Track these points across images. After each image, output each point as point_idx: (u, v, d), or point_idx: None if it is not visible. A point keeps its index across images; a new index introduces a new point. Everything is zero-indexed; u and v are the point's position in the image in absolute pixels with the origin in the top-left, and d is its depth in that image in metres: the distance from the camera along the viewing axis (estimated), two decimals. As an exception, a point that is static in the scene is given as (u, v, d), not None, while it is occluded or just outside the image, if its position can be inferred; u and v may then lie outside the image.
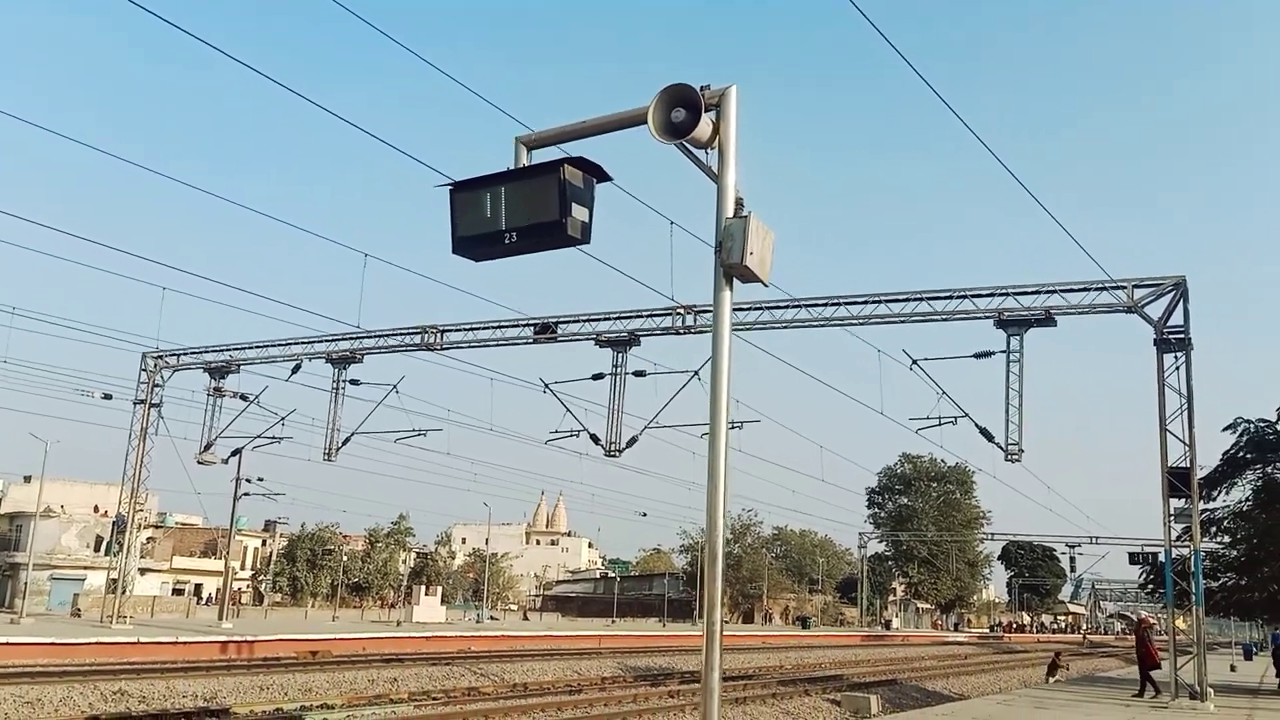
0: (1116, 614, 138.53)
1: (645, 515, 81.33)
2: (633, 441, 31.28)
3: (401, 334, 33.48)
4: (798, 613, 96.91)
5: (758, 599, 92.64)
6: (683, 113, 6.03)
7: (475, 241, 6.43)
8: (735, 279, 6.15)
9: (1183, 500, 22.70)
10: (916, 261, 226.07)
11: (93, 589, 53.13)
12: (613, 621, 72.45)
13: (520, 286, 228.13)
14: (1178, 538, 23.48)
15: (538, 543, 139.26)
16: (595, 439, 31.29)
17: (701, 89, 6.08)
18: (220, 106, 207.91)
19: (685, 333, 29.87)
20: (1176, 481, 22.57)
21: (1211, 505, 30.51)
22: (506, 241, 6.25)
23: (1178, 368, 23.23)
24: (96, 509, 62.57)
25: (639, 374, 31.30)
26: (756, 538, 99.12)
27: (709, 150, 6.24)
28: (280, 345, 35.38)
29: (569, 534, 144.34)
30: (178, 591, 67.97)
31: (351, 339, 34.06)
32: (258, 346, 36.01)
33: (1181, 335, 23.33)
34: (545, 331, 31.55)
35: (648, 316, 30.38)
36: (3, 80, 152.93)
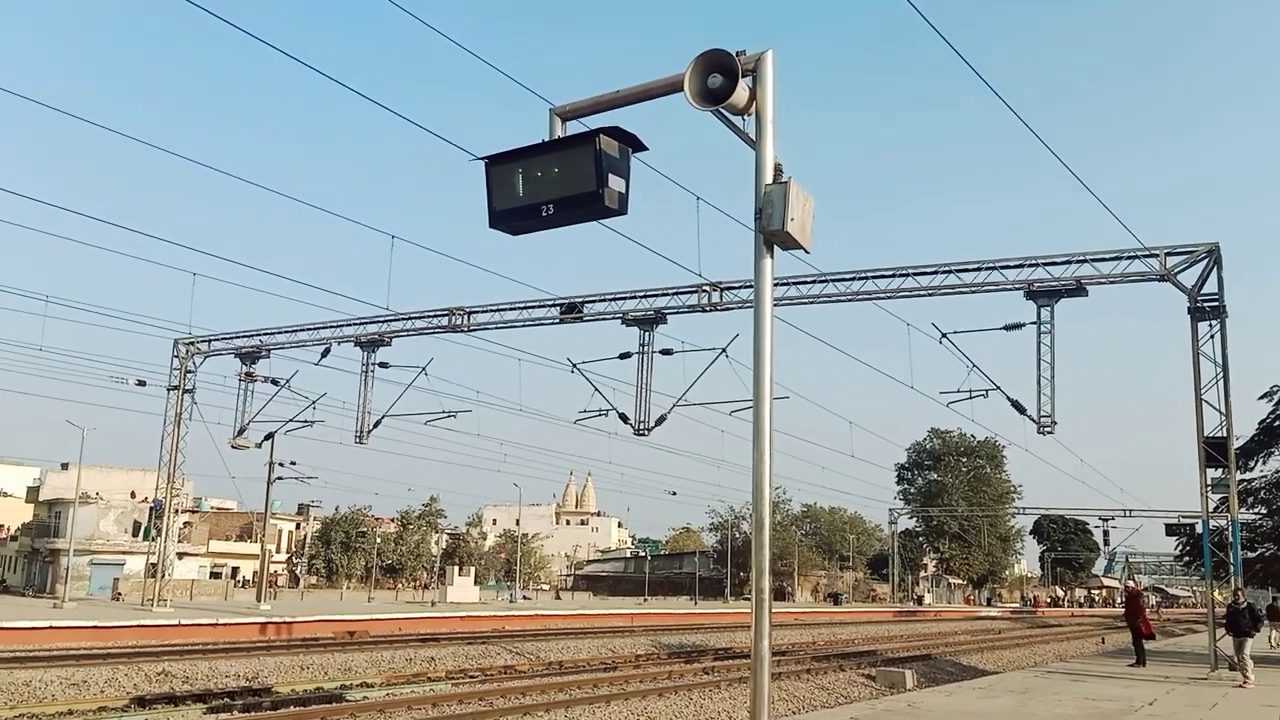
0: (1151, 587, 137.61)
1: (675, 494, 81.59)
2: (661, 420, 31.32)
3: (429, 316, 33.65)
4: (828, 589, 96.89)
5: (788, 576, 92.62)
6: (719, 79, 5.96)
7: (512, 215, 6.38)
8: (776, 246, 6.08)
9: (1219, 470, 22.47)
10: (942, 233, 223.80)
11: (132, 573, 53.94)
12: (644, 600, 72.74)
13: (546, 266, 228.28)
14: (1214, 508, 23.26)
15: (568, 523, 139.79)
16: (624, 418, 31.34)
17: (737, 54, 6.00)
18: (245, 87, 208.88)
19: (712, 310, 29.81)
20: (1213, 451, 22.33)
21: (1248, 475, 30.20)
22: (543, 214, 6.18)
23: (1212, 336, 22.95)
24: (133, 494, 63.35)
25: (666, 352, 31.31)
26: (785, 515, 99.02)
27: (745, 116, 6.18)
28: (310, 329, 35.69)
29: (599, 514, 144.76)
30: (215, 575, 68.96)
31: (380, 322, 34.27)
32: (287, 331, 36.34)
33: (1216, 303, 23.04)
34: (572, 311, 31.61)
35: (674, 294, 30.33)
36: (32, 62, 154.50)
